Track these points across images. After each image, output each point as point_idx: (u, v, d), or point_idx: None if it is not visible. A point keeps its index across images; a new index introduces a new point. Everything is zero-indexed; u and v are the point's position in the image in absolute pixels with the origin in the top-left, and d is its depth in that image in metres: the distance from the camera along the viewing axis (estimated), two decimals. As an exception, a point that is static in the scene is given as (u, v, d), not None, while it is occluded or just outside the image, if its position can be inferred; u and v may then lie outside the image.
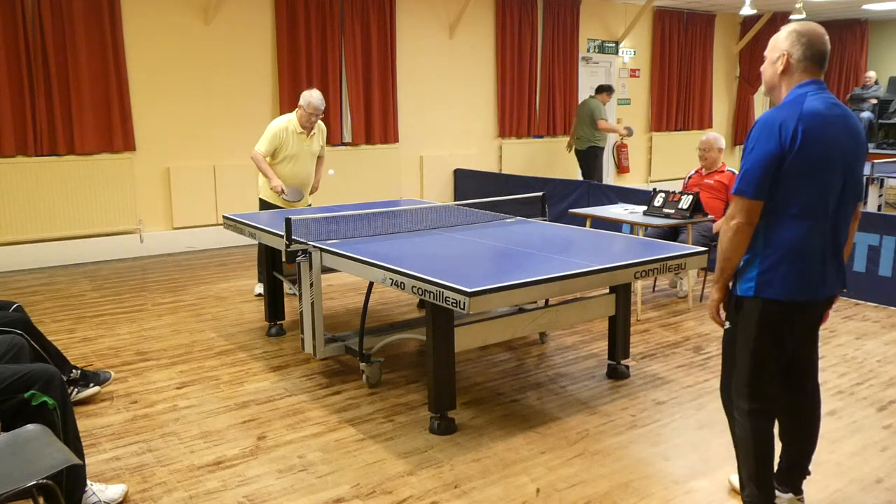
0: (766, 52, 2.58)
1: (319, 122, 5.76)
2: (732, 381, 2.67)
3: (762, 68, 2.63)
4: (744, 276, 2.54)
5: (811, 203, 2.43)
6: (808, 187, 2.41)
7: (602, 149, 9.83)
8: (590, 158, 9.71)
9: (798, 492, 2.82)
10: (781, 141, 2.37)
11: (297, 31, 8.36)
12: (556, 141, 10.91)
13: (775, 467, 2.75)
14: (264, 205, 5.82)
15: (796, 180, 2.40)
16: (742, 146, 2.60)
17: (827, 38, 2.53)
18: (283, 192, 5.61)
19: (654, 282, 6.39)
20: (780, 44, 2.52)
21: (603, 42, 11.41)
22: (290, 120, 5.62)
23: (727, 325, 2.66)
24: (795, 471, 2.81)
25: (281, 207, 5.72)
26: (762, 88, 9.71)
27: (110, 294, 6.22)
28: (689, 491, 3.05)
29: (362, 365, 4.16)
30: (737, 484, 2.86)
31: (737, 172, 6.46)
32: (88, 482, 2.90)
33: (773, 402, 2.66)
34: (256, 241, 4.86)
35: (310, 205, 6.01)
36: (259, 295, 6.02)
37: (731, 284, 2.63)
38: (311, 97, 5.51)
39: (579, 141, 9.72)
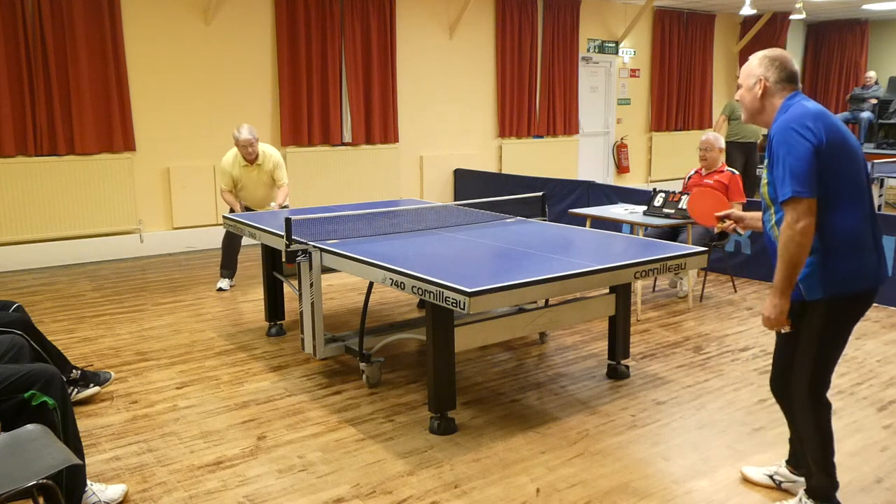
0: (741, 81, 2.72)
1: (269, 150, 6.16)
2: (793, 379, 2.71)
3: (739, 96, 2.75)
4: (808, 277, 2.57)
5: (854, 189, 2.54)
6: (846, 175, 2.52)
7: (745, 144, 9.77)
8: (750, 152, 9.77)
9: None
10: (811, 138, 2.46)
11: (297, 31, 8.36)
12: (557, 141, 10.91)
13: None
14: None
15: (835, 170, 2.50)
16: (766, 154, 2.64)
17: (793, 59, 2.68)
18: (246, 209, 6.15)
19: (654, 282, 6.39)
20: (755, 70, 2.67)
21: (603, 42, 11.42)
22: (235, 155, 6.07)
23: (787, 328, 2.66)
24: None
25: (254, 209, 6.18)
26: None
27: (110, 294, 6.22)
28: (689, 491, 3.05)
29: (362, 365, 4.16)
30: (750, 475, 3.08)
31: (737, 173, 6.46)
32: (88, 482, 2.90)
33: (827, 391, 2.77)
34: (257, 242, 4.86)
35: (286, 206, 6.31)
36: (220, 289, 6.30)
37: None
38: (238, 133, 5.94)
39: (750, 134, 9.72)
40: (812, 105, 2.56)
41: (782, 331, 2.67)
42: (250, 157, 6.01)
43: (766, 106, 2.67)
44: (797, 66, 2.69)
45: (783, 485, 3.02)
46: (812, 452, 2.75)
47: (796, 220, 2.45)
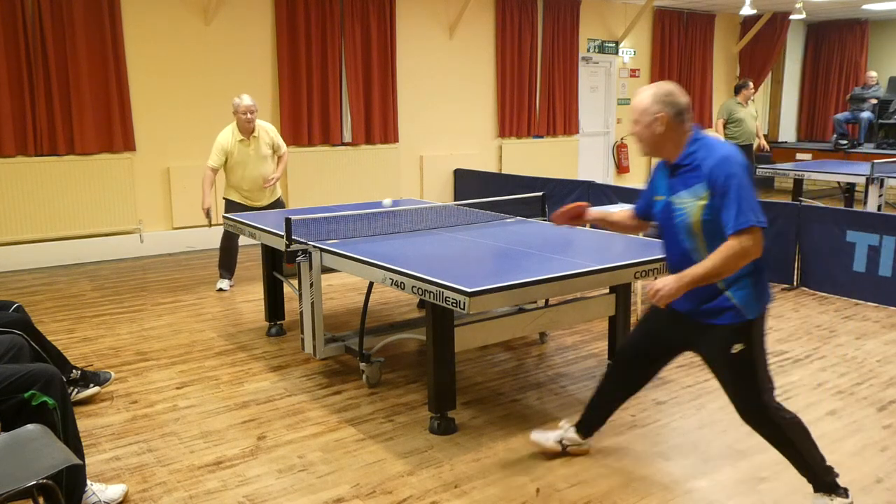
0: (636, 118, 2.75)
1: (264, 123, 6.02)
2: (763, 395, 2.75)
3: (636, 133, 2.79)
4: (745, 299, 2.67)
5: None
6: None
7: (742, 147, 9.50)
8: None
9: (586, 441, 3.31)
10: (746, 171, 2.61)
11: (297, 31, 8.36)
12: (557, 141, 10.91)
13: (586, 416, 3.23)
14: (229, 204, 6.10)
15: None
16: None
17: (682, 91, 2.78)
18: (208, 213, 5.97)
19: (654, 282, 6.38)
20: (651, 107, 2.70)
21: (603, 42, 11.41)
22: (232, 131, 5.90)
23: (738, 347, 2.71)
24: (597, 425, 3.27)
25: (247, 208, 6.00)
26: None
27: (110, 294, 6.22)
28: (688, 491, 3.05)
29: (362, 365, 4.16)
30: (539, 440, 3.34)
31: None
32: (88, 482, 2.90)
33: None
34: (257, 242, 4.86)
35: (279, 199, 6.24)
36: (221, 290, 6.25)
37: (722, 311, 2.71)
38: (240, 98, 5.80)
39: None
40: (727, 143, 2.75)
41: (732, 351, 2.72)
42: (249, 127, 5.83)
43: (667, 141, 2.72)
44: (686, 98, 2.75)
45: (569, 448, 3.26)
46: (810, 452, 2.77)
47: (752, 247, 2.53)
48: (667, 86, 2.75)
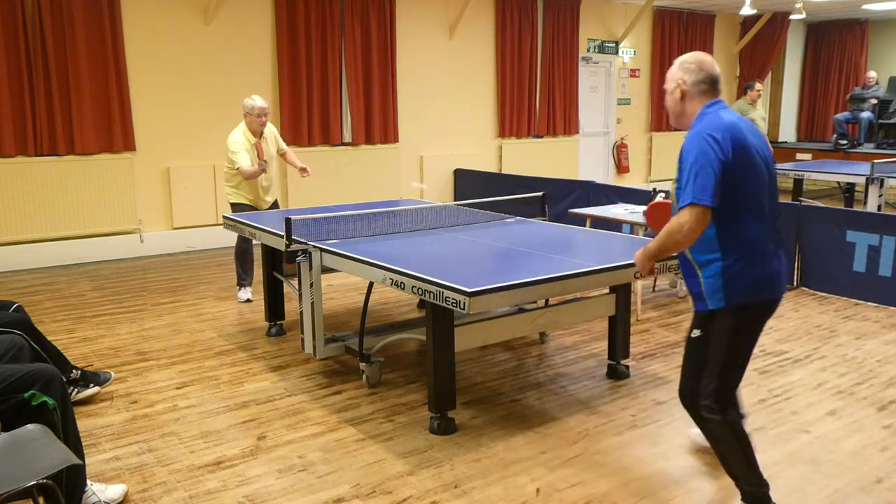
0: (665, 85, 2.79)
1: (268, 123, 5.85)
2: (701, 384, 2.74)
3: (665, 101, 2.82)
4: (711, 287, 2.64)
5: (754, 203, 2.61)
6: (747, 190, 2.59)
7: None
8: None
9: None
10: (718, 152, 2.52)
11: (297, 31, 8.36)
12: (557, 141, 10.91)
13: None
14: (236, 207, 5.79)
15: (737, 186, 2.56)
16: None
17: (715, 64, 2.73)
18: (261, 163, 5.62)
19: (654, 282, 6.39)
20: (674, 74, 2.72)
21: (603, 42, 11.41)
22: (244, 132, 5.67)
23: (696, 332, 2.74)
24: None
25: (255, 208, 5.77)
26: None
27: (110, 294, 6.22)
28: (688, 491, 3.05)
29: (362, 365, 4.16)
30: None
31: None
32: (88, 482, 2.90)
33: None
34: (257, 241, 4.86)
35: (276, 200, 6.03)
36: (248, 300, 5.91)
37: (695, 297, 2.73)
38: (254, 100, 5.63)
39: None
40: (727, 117, 2.60)
41: (691, 334, 2.76)
42: (262, 128, 5.72)
43: (685, 109, 2.70)
44: (716, 68, 2.71)
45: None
46: (734, 460, 2.73)
47: (687, 222, 2.51)
48: (698, 55, 2.72)
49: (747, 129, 2.63)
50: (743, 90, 9.86)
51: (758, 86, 9.61)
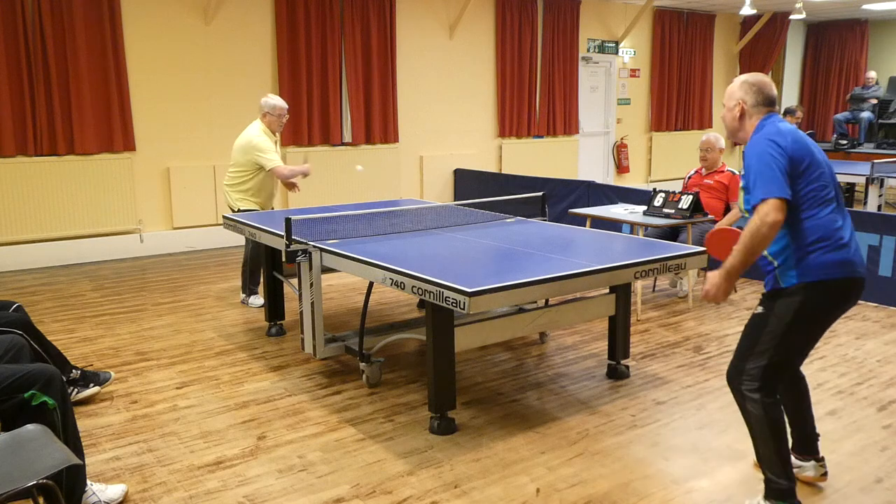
0: (724, 101, 2.95)
1: None
2: (749, 361, 2.76)
3: (722, 116, 2.98)
4: (781, 266, 2.73)
5: (821, 193, 2.71)
6: (813, 182, 2.71)
7: None
8: None
9: (820, 457, 3.07)
10: (778, 149, 2.68)
11: (297, 31, 8.36)
12: (557, 141, 10.91)
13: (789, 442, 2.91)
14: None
15: (803, 178, 2.70)
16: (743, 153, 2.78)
17: (773, 86, 2.92)
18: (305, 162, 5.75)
19: (654, 282, 6.39)
20: (735, 93, 2.88)
21: (603, 42, 11.41)
22: (263, 130, 5.52)
23: (759, 309, 2.80)
24: (810, 438, 3.06)
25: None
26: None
27: (110, 294, 6.22)
28: (688, 491, 3.05)
29: (362, 365, 4.16)
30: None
31: (737, 173, 6.49)
32: (88, 482, 2.90)
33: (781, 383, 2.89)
34: (257, 241, 4.86)
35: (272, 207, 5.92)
36: (262, 306, 5.66)
37: (767, 274, 2.81)
38: (277, 100, 5.52)
39: None
40: (784, 125, 2.77)
41: (755, 311, 2.80)
42: (282, 127, 5.63)
43: (743, 125, 2.87)
44: (774, 89, 2.89)
45: (805, 475, 3.08)
46: (765, 449, 2.75)
47: (767, 214, 2.60)
48: (759, 77, 2.88)
49: (805, 136, 2.80)
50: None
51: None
